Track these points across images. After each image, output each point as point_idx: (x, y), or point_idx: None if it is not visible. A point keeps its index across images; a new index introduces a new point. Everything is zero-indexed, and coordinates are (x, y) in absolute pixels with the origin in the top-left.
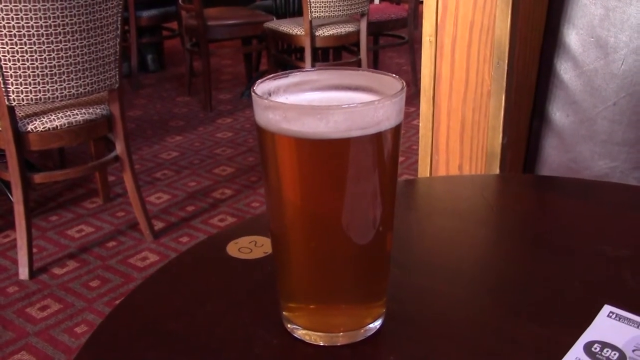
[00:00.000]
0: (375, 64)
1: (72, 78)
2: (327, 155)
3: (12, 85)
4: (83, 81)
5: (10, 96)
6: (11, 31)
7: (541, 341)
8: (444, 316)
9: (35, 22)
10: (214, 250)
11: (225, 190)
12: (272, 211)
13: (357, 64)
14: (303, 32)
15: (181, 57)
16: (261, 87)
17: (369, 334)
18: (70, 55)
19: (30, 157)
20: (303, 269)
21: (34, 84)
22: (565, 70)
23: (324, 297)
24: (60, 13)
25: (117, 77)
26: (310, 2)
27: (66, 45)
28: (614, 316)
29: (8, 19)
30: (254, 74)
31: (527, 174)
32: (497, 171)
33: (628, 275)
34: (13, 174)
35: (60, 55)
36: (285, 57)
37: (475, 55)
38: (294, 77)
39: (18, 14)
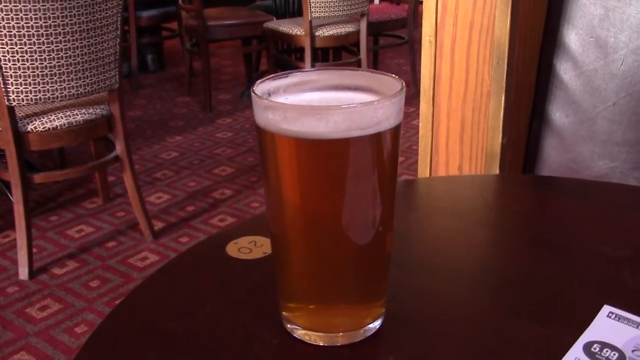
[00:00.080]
0: (375, 64)
1: (72, 78)
2: (327, 155)
3: (12, 85)
4: (83, 81)
5: (10, 96)
6: (11, 31)
7: (541, 341)
8: (444, 316)
9: (35, 22)
10: (213, 250)
11: (225, 190)
12: (271, 211)
13: (357, 64)
14: (303, 32)
15: (181, 57)
16: (261, 88)
17: (369, 334)
18: (70, 56)
19: (30, 157)
20: (303, 269)
21: (34, 84)
22: (565, 70)
23: (323, 297)
24: (60, 13)
25: (117, 77)
26: (310, 2)
27: (66, 45)
28: (613, 316)
29: (8, 19)
30: (254, 74)
31: (527, 174)
32: (497, 171)
33: (628, 275)
34: (13, 174)
35: (60, 56)
36: (285, 57)
37: (474, 56)
38: (294, 78)
39: (18, 14)
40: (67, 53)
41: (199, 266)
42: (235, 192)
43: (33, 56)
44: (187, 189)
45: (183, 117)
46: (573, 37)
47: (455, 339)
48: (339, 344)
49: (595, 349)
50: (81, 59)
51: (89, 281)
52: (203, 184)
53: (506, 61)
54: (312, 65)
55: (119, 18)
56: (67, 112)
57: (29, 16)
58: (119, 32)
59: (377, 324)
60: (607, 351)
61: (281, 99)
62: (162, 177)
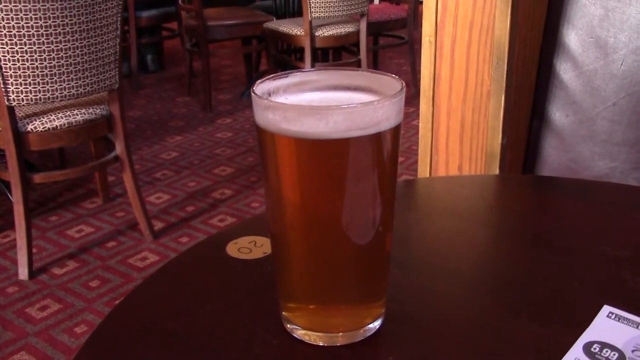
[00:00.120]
0: (375, 65)
1: (72, 78)
2: (327, 155)
3: (12, 85)
4: (83, 81)
5: (10, 96)
6: (11, 31)
7: (541, 341)
8: (444, 316)
9: (35, 22)
10: (213, 250)
11: (225, 190)
12: (271, 211)
13: (357, 65)
14: (303, 33)
15: (181, 57)
16: (261, 88)
17: (369, 334)
18: (70, 56)
19: (30, 157)
20: (303, 269)
21: (34, 84)
22: (564, 70)
23: (323, 297)
24: (60, 13)
25: (117, 77)
26: (310, 2)
27: (66, 45)
28: (613, 316)
29: (8, 19)
30: (254, 74)
31: (527, 174)
32: (497, 171)
33: (628, 275)
34: (13, 174)
35: (60, 56)
36: (285, 57)
37: (474, 56)
38: (294, 78)
39: (18, 14)
40: (67, 53)
41: (199, 266)
42: (235, 192)
43: (33, 56)
44: (187, 189)
45: (183, 117)
46: (573, 37)
47: (455, 339)
48: (338, 344)
49: (595, 349)
50: (81, 59)
51: (89, 281)
52: (203, 184)
53: (506, 61)
54: (312, 66)
55: (119, 18)
56: (67, 112)
57: (29, 16)
58: (118, 32)
59: (377, 324)
60: (607, 351)
61: (281, 99)
62: (162, 177)
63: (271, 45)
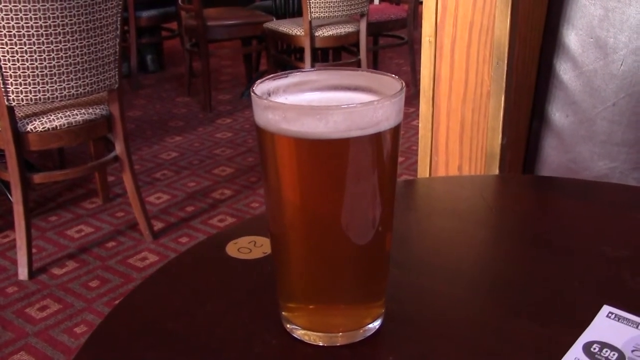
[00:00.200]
0: (375, 65)
1: (72, 78)
2: (327, 155)
3: (12, 85)
4: (83, 81)
5: (10, 96)
6: (11, 31)
7: (541, 341)
8: (444, 316)
9: (35, 22)
10: (213, 250)
11: (224, 190)
12: (271, 211)
13: (357, 65)
14: (303, 33)
15: (181, 57)
16: (260, 88)
17: (368, 334)
18: (70, 56)
19: (30, 157)
20: (302, 269)
21: (34, 84)
22: (564, 70)
23: (323, 297)
24: (60, 13)
25: (117, 77)
26: (309, 2)
27: (66, 45)
28: (613, 316)
29: (8, 19)
30: (254, 75)
31: (527, 174)
32: (497, 172)
33: (627, 275)
34: (12, 174)
35: (60, 56)
36: (284, 57)
37: (474, 56)
38: (294, 78)
39: (18, 14)
40: (67, 53)
41: (199, 266)
42: (235, 192)
43: (33, 56)
44: (187, 189)
45: (183, 118)
46: (573, 37)
47: (455, 339)
48: (338, 344)
49: (594, 349)
50: (81, 59)
51: (89, 281)
52: (203, 184)
53: (506, 61)
54: (312, 66)
55: (119, 18)
56: (66, 112)
57: (28, 16)
58: (118, 32)
59: (376, 324)
60: (606, 351)
61: (281, 99)
62: (161, 177)
63: (271, 46)
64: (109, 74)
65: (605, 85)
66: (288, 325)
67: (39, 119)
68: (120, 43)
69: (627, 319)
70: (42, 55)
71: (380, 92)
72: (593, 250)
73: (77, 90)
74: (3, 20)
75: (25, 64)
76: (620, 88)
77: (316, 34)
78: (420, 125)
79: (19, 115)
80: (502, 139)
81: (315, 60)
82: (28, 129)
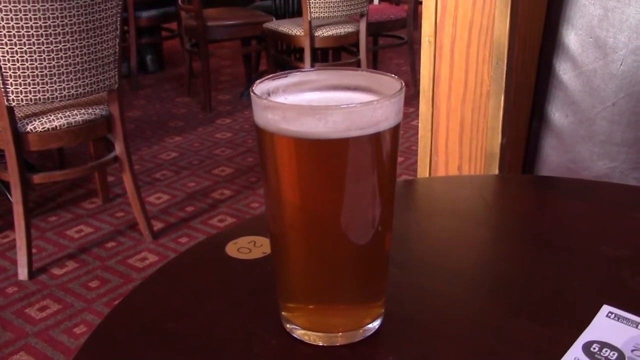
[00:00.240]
0: (375, 65)
1: (72, 78)
2: (326, 155)
3: (12, 85)
4: (82, 81)
5: (10, 96)
6: (11, 31)
7: (541, 341)
8: (443, 316)
9: (34, 23)
10: (213, 250)
11: (224, 190)
12: (271, 211)
13: (357, 65)
14: (302, 33)
15: (180, 57)
16: (260, 87)
17: (368, 334)
18: (70, 56)
19: (30, 157)
20: (302, 269)
21: (34, 84)
22: (564, 70)
23: (322, 297)
24: (60, 13)
25: (117, 77)
26: (309, 2)
27: (66, 45)
28: (612, 316)
29: (8, 19)
30: (254, 75)
31: (526, 174)
32: (496, 172)
33: (627, 275)
34: (12, 175)
35: (59, 56)
36: (284, 57)
37: (474, 56)
38: (293, 77)
39: (18, 14)
40: (66, 53)
41: (199, 266)
42: (235, 192)
43: (33, 56)
44: (187, 190)
45: (182, 118)
46: (572, 37)
47: (455, 339)
48: (338, 344)
49: (594, 348)
50: (81, 59)
51: (89, 281)
52: (202, 184)
53: (505, 61)
54: (312, 66)
55: (119, 18)
56: (66, 112)
57: (28, 16)
58: (118, 33)
59: (376, 324)
60: (606, 351)
61: (280, 99)
62: (161, 177)
63: (271, 46)
64: (109, 74)
65: (605, 85)
66: (288, 325)
67: (39, 119)
68: (120, 43)
69: (626, 318)
70: (42, 56)
71: (380, 92)
72: (593, 250)
73: (77, 91)
74: (3, 20)
75: (25, 64)
76: (620, 88)
77: (316, 34)
78: (419, 125)
79: (19, 115)
80: (502, 139)
81: (315, 60)
82: (28, 129)
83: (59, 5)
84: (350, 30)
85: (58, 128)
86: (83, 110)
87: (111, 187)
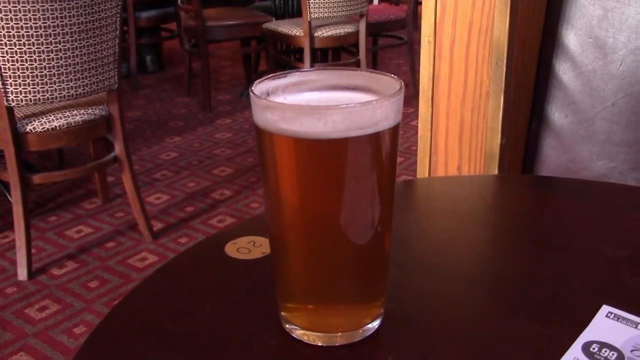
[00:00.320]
0: (374, 65)
1: (71, 79)
2: (326, 155)
3: (11, 85)
4: (82, 82)
5: (9, 97)
6: (10, 32)
7: (541, 341)
8: (443, 316)
9: (34, 23)
10: (212, 250)
11: (224, 190)
12: (270, 211)
13: (356, 65)
14: (302, 33)
15: (180, 57)
16: (259, 87)
17: (368, 334)
18: (70, 56)
19: (29, 157)
20: (301, 269)
21: (33, 84)
22: (564, 70)
23: (322, 298)
24: (60, 14)
25: (116, 77)
26: (309, 2)
27: (65, 45)
28: (612, 316)
29: (7, 19)
30: (253, 75)
31: (526, 174)
32: (496, 172)
33: (627, 275)
34: (12, 175)
35: (59, 56)
36: (284, 57)
37: (473, 56)
38: (293, 77)
39: (17, 15)
40: (66, 53)
41: (198, 266)
42: (235, 192)
43: (32, 56)
44: (186, 190)
45: (182, 118)
46: (572, 37)
47: (455, 339)
48: (337, 344)
49: (594, 348)
50: (80, 59)
51: (88, 282)
52: (202, 184)
53: (505, 61)
54: (311, 66)
55: (118, 19)
56: (66, 112)
57: (28, 16)
58: (118, 33)
59: (376, 324)
60: (605, 351)
61: (280, 98)
62: (161, 177)
63: (270, 46)
64: (109, 74)
65: (605, 85)
66: (287, 325)
67: (39, 119)
68: (120, 43)
69: (626, 318)
70: (41, 56)
71: (379, 92)
72: (593, 250)
73: (77, 91)
74: (3, 20)
75: (24, 65)
76: (620, 88)
77: (315, 34)
78: (419, 125)
79: (19, 115)
80: (502, 139)
81: (314, 60)
82: (27, 130)
83: (59, 5)
84: (349, 30)
85: (58, 128)
86: (83, 111)
87: (111, 187)
